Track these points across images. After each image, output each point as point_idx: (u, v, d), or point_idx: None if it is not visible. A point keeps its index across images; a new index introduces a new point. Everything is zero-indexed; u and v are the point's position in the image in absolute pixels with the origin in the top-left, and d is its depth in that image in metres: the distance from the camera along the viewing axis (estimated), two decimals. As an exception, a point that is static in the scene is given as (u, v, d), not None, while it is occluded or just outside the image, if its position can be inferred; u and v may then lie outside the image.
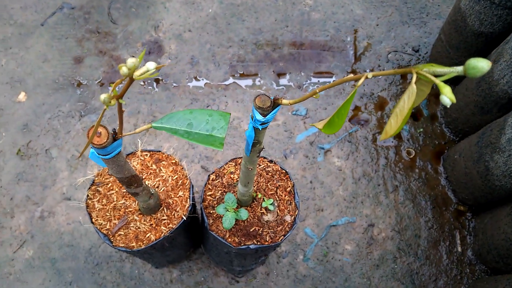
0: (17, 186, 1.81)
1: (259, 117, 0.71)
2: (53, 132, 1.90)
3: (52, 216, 1.77)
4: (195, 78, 2.04)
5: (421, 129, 2.00)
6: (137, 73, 0.53)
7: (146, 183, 1.05)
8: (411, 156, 1.96)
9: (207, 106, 1.97)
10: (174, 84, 2.02)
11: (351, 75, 0.57)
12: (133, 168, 0.89)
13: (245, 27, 2.17)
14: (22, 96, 1.93)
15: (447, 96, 0.48)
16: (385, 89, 2.07)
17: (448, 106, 0.55)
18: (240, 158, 1.32)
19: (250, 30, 2.17)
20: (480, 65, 0.45)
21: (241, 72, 2.07)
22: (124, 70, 0.50)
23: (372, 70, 2.12)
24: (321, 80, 2.08)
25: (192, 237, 1.46)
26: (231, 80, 2.05)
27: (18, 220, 1.75)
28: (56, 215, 1.77)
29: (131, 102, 1.96)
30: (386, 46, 2.17)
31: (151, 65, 0.52)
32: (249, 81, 2.06)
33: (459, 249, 1.82)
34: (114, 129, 0.69)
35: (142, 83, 2.01)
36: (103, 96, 0.53)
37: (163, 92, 2.00)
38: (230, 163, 1.31)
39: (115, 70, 2.02)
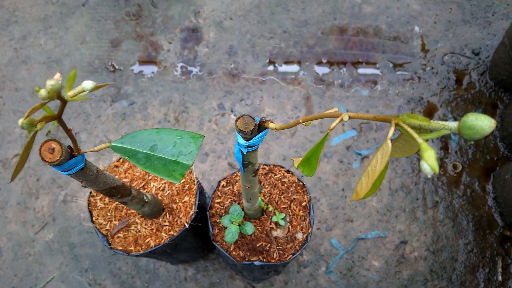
0: (44, 167, 1.83)
1: (241, 141, 0.62)
2: (84, 115, 1.89)
3: (74, 201, 1.78)
4: (232, 69, 1.96)
5: (472, 142, 1.82)
6: (70, 94, 0.47)
7: (139, 190, 0.99)
8: (457, 171, 1.79)
9: (241, 100, 1.88)
10: (209, 74, 1.95)
11: (330, 111, 0.47)
12: (115, 178, 0.82)
13: (290, 17, 2.04)
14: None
15: (428, 163, 0.37)
16: (436, 94, 1.89)
17: (429, 177, 0.44)
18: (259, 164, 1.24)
19: (294, 21, 2.03)
20: (479, 125, 0.34)
21: (281, 66, 1.96)
22: (42, 93, 0.43)
23: (424, 70, 1.94)
24: (367, 79, 1.93)
25: (203, 241, 1.40)
26: (269, 74, 1.95)
27: (42, 201, 1.77)
28: (79, 200, 1.78)
29: (164, 91, 1.91)
30: (443, 47, 1.97)
31: (88, 85, 0.44)
32: (288, 76, 1.94)
33: (500, 278, 1.66)
34: (69, 145, 0.62)
35: (176, 71, 1.95)
36: (21, 121, 0.46)
37: (197, 82, 1.93)
38: None
39: (151, 56, 1.98)
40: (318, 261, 1.68)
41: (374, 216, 1.73)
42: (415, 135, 0.40)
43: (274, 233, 1.15)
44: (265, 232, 1.15)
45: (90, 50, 1.99)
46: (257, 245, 1.14)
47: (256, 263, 1.10)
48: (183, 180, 1.18)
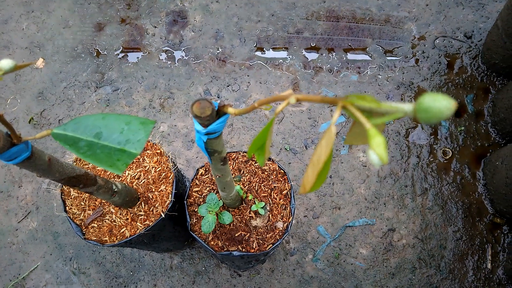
0: (31, 153, 1.80)
1: (198, 127, 0.58)
2: (67, 102, 1.85)
3: (58, 189, 1.75)
4: (218, 54, 1.91)
5: (463, 127, 1.78)
6: None
7: (108, 179, 0.95)
8: (447, 157, 1.76)
9: (228, 86, 1.84)
10: (195, 59, 1.90)
11: (282, 94, 0.43)
12: (75, 167, 0.78)
13: (278, 0, 1.99)
14: (40, 63, 1.89)
15: (375, 152, 0.33)
16: (426, 79, 1.85)
17: (377, 167, 0.39)
18: (237, 151, 1.21)
19: (283, 4, 1.98)
20: (437, 107, 0.31)
21: (268, 51, 1.91)
22: None
23: (414, 56, 1.89)
24: (356, 64, 1.89)
25: (184, 230, 1.37)
26: (256, 59, 1.90)
27: (25, 190, 1.75)
28: (52, 190, 1.75)
29: (149, 76, 1.87)
30: (434, 30, 1.93)
31: (4, 64, 0.40)
32: (275, 61, 1.90)
33: (489, 266, 1.64)
34: (7, 132, 0.57)
35: (162, 56, 1.91)
36: None
37: (183, 67, 1.89)
38: None
39: (136, 40, 1.93)
40: (305, 249, 1.66)
41: (362, 204, 1.71)
42: (362, 119, 0.36)
43: (254, 222, 1.12)
44: (244, 221, 1.12)
45: (73, 35, 1.94)
46: (236, 235, 1.11)
47: (235, 253, 1.08)
48: (159, 168, 1.14)
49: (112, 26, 1.95)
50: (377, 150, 0.34)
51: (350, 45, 1.90)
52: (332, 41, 1.91)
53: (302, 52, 1.91)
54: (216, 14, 1.96)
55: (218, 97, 1.84)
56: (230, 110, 0.55)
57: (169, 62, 1.89)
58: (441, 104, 0.32)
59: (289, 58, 1.90)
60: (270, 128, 0.46)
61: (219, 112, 0.57)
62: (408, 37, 1.92)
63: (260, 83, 1.85)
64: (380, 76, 1.86)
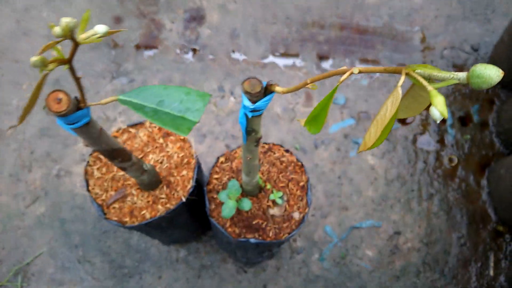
0: (39, 140, 1.81)
1: (247, 103, 0.62)
2: (83, 90, 1.87)
3: (68, 176, 1.76)
4: (233, 51, 1.95)
5: (468, 136, 1.83)
6: (82, 36, 0.47)
7: (139, 158, 0.97)
8: (453, 164, 1.80)
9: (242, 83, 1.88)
10: (211, 56, 1.94)
11: (340, 69, 0.47)
12: (117, 142, 0.81)
13: (293, 4, 2.04)
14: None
15: (438, 109, 0.38)
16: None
17: (437, 122, 0.44)
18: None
19: (298, 8, 2.03)
20: (488, 73, 0.35)
21: (282, 52, 1.96)
22: (57, 30, 0.42)
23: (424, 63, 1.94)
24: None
25: (198, 219, 1.39)
26: (270, 59, 1.94)
27: (35, 175, 1.74)
28: (72, 175, 1.76)
29: (164, 69, 1.90)
30: (442, 41, 1.99)
31: (100, 28, 0.43)
32: (289, 62, 1.94)
33: (491, 273, 1.67)
34: (76, 96, 0.61)
35: (178, 51, 1.94)
36: (33, 59, 0.45)
37: (198, 63, 1.92)
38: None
39: (153, 35, 1.96)
40: (311, 248, 1.68)
41: (369, 205, 1.73)
42: (425, 83, 0.41)
43: (271, 211, 1.14)
44: (262, 209, 1.14)
45: (92, 26, 1.97)
46: (253, 223, 1.12)
47: (252, 240, 1.09)
48: (182, 154, 1.16)
49: (130, 19, 1.98)
50: (438, 107, 0.38)
51: (361, 51, 1.95)
52: (343, 46, 1.96)
53: (315, 55, 1.95)
54: (233, 14, 2.01)
55: (232, 94, 1.86)
56: (278, 89, 0.59)
57: (185, 56, 1.92)
58: (491, 71, 0.36)
59: (302, 60, 1.94)
60: (330, 98, 0.49)
61: (266, 91, 0.61)
62: (418, 46, 1.98)
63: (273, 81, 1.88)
64: (390, 82, 1.91)
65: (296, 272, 1.65)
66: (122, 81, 1.87)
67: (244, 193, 1.13)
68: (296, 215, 1.14)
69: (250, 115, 0.64)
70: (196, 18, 1.99)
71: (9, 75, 1.90)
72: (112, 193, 1.11)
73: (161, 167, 1.15)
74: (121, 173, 1.12)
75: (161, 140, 1.17)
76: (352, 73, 0.46)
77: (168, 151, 1.16)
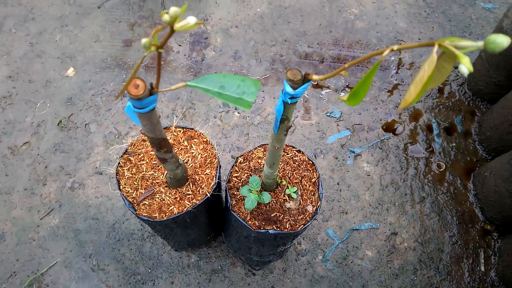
0: (53, 155, 1.90)
1: (289, 89, 0.74)
2: (94, 108, 1.98)
3: (82, 188, 1.84)
4: (236, 71, 2.11)
5: (454, 144, 2.00)
6: (177, 25, 0.57)
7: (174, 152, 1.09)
8: (441, 170, 1.95)
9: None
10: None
11: (377, 51, 0.60)
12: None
13: (290, 28, 2.23)
14: (70, 71, 2.03)
15: (465, 66, 0.49)
16: (421, 101, 2.08)
17: (466, 76, 0.57)
18: (266, 144, 1.36)
19: (294, 32, 2.22)
20: (499, 40, 0.47)
21: (281, 71, 2.12)
22: (166, 17, 0.54)
23: (410, 78, 2.13)
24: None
25: (214, 220, 1.49)
26: (270, 77, 2.10)
27: (50, 188, 1.82)
28: (86, 187, 1.84)
29: (172, 88, 2.04)
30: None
31: (191, 19, 0.56)
32: (287, 80, 2.10)
33: (482, 268, 1.79)
34: (152, 83, 0.73)
35: (184, 70, 2.08)
36: (144, 40, 0.58)
37: (203, 82, 2.06)
38: (259, 148, 1.35)
39: (162, 56, 2.11)
40: (315, 250, 1.78)
41: (367, 209, 1.86)
42: (454, 49, 0.54)
43: (287, 205, 1.26)
44: (279, 203, 1.26)
45: (103, 48, 2.11)
46: (272, 215, 1.24)
47: (271, 231, 1.20)
48: (205, 154, 1.28)
49: (140, 42, 2.13)
50: (466, 64, 0.51)
51: (353, 70, 2.13)
52: (337, 66, 2.14)
53: (312, 73, 2.12)
54: (235, 37, 2.18)
55: (236, 109, 2.01)
56: (315, 77, 0.73)
57: (192, 76, 2.07)
58: (503, 38, 0.49)
59: (299, 78, 2.10)
60: (371, 75, 0.62)
61: (304, 80, 0.75)
62: (406, 65, 2.17)
63: (273, 98, 2.04)
64: (380, 97, 2.08)
65: (302, 273, 1.75)
66: (133, 98, 2.00)
67: (263, 188, 1.25)
68: (310, 208, 1.26)
69: (289, 101, 0.77)
70: (201, 41, 2.16)
71: (23, 94, 2.00)
72: (142, 191, 1.21)
73: (187, 167, 1.26)
74: (150, 172, 1.23)
75: (185, 143, 1.28)
76: (392, 50, 0.59)
77: (192, 152, 1.28)
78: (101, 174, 1.86)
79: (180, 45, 2.14)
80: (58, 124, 1.94)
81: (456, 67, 2.18)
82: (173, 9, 0.55)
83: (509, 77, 1.85)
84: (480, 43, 0.52)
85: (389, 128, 2.03)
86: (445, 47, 0.54)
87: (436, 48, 0.54)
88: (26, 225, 1.77)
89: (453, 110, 2.08)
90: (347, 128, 2.00)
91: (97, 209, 1.81)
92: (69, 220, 1.79)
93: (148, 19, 2.22)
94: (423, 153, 1.98)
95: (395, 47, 0.57)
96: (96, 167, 1.88)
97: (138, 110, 0.77)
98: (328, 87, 2.10)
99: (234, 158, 1.90)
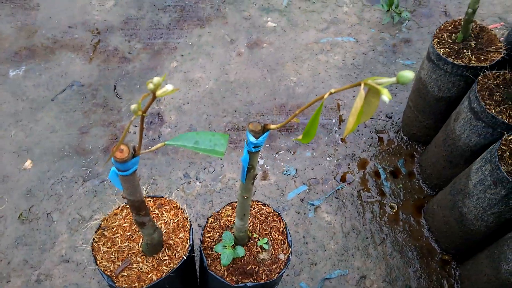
0: (15, 250, 1.85)
1: (252, 139, 0.87)
2: (55, 196, 1.99)
3: (49, 279, 1.79)
4: (192, 144, 2.22)
5: (401, 185, 2.18)
6: (159, 92, 0.68)
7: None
8: (394, 210, 2.11)
9: (204, 169, 2.12)
10: (173, 150, 2.19)
11: (319, 97, 0.73)
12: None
13: (238, 100, 2.42)
14: (28, 164, 2.05)
15: (386, 95, 0.64)
16: (365, 151, 2.28)
17: (387, 103, 0.71)
18: (235, 202, 1.45)
19: (242, 102, 2.41)
20: (407, 74, 0.62)
21: (235, 137, 2.26)
22: (150, 86, 0.65)
23: (352, 133, 2.35)
24: (307, 144, 2.29)
25: (190, 283, 1.51)
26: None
27: (14, 284, 1.77)
28: (53, 278, 1.80)
29: (133, 167, 2.10)
30: (363, 114, 2.43)
31: (169, 87, 0.67)
32: (242, 146, 2.24)
33: (449, 297, 1.90)
34: (134, 146, 0.82)
35: (143, 149, 2.16)
36: (133, 106, 0.69)
37: (163, 157, 2.15)
38: (227, 207, 1.44)
39: (118, 138, 2.18)
40: (292, 305, 1.82)
41: (334, 257, 1.95)
42: (376, 86, 0.69)
43: (261, 256, 1.33)
44: (253, 256, 1.33)
45: (60, 138, 2.16)
46: (248, 268, 1.30)
47: (249, 284, 1.26)
48: (177, 219, 1.35)
49: (96, 128, 2.21)
50: (386, 94, 0.65)
51: (301, 130, 2.32)
52: (286, 128, 2.33)
53: (269, 123, 2.28)
54: (188, 113, 2.32)
55: (197, 179, 2.09)
56: (272, 126, 0.86)
57: (150, 154, 2.15)
58: (409, 73, 0.65)
59: (253, 143, 2.25)
60: (317, 116, 0.76)
61: (264, 130, 0.88)
62: (345, 119, 2.40)
63: (231, 164, 2.15)
64: (328, 151, 2.26)
65: (283, 331, 1.76)
66: (94, 182, 2.03)
67: (236, 243, 1.32)
68: (282, 256, 1.34)
69: (253, 150, 0.89)
70: (156, 120, 2.27)
71: (-20, 193, 1.98)
72: (119, 263, 1.24)
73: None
74: (125, 244, 1.27)
75: (156, 211, 1.35)
76: (330, 93, 0.73)
77: (164, 219, 1.34)
78: (68, 261, 1.83)
79: (136, 126, 2.25)
80: (19, 217, 1.91)
81: (389, 117, 2.43)
82: (156, 79, 0.66)
83: (436, 120, 2.11)
84: (393, 78, 0.67)
85: (341, 178, 2.19)
86: (369, 84, 0.68)
87: (362, 86, 0.69)
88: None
89: (394, 155, 2.29)
90: (304, 183, 2.14)
91: (66, 299, 1.76)
92: (36, 316, 1.72)
93: (102, 106, 2.32)
94: (375, 197, 2.14)
95: (333, 90, 0.71)
96: (62, 255, 1.85)
97: (121, 173, 0.85)
98: (281, 148, 2.25)
99: (200, 227, 1.95)
